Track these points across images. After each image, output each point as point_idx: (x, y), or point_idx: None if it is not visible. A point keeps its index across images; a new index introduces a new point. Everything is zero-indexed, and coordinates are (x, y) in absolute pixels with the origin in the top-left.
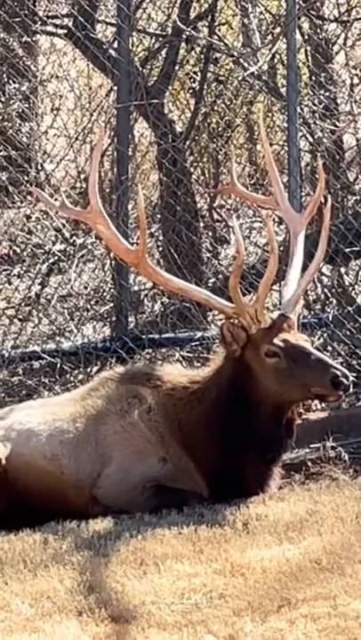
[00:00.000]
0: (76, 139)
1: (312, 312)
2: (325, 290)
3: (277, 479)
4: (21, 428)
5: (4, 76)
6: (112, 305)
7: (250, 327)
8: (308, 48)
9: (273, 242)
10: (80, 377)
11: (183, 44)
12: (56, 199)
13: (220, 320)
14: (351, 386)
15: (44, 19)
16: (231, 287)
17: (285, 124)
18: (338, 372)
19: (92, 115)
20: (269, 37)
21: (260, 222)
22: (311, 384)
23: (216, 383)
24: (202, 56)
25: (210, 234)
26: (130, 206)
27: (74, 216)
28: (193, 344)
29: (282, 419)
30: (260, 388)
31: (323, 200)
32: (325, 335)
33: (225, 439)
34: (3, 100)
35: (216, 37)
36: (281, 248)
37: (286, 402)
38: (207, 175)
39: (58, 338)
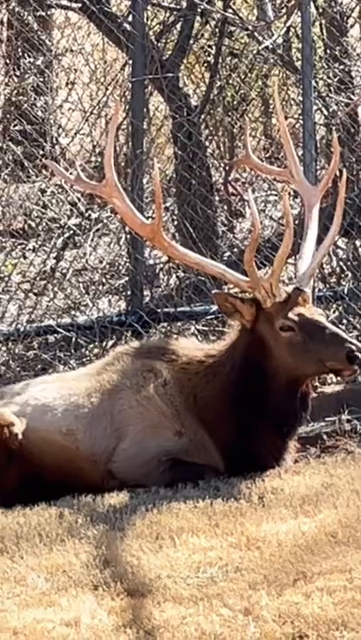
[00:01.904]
0: (91, 113)
1: (327, 285)
2: (341, 263)
3: (293, 453)
4: (37, 403)
5: (19, 50)
6: (127, 279)
7: (265, 301)
8: (323, 21)
9: (288, 215)
10: (95, 351)
11: (198, 18)
12: (71, 173)
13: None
14: None
15: None
16: (246, 261)
17: (300, 98)
18: (353, 347)
19: (106, 89)
20: (284, 10)
21: (276, 196)
22: (326, 358)
23: (231, 357)
24: (217, 30)
25: (225, 207)
26: (145, 180)
27: (89, 190)
28: (208, 318)
29: (296, 392)
30: (274, 361)
31: (338, 173)
32: (341, 308)
33: (240, 413)
34: (18, 74)
35: (231, 11)
36: (296, 221)
37: (301, 376)
38: (222, 149)
39: (73, 312)
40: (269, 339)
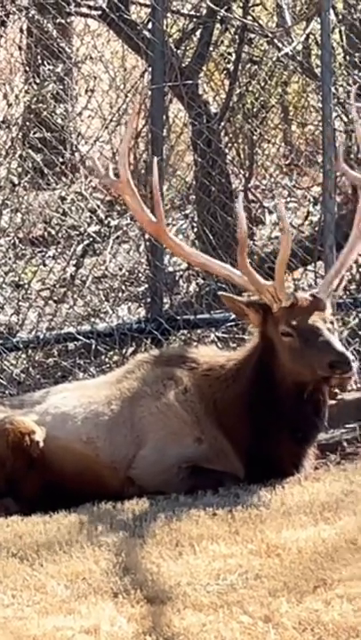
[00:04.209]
0: (111, 120)
1: (347, 292)
2: (360, 270)
3: (312, 459)
4: (57, 412)
5: (39, 57)
6: (147, 286)
7: (272, 305)
8: (343, 28)
9: (285, 222)
10: (115, 358)
11: (217, 25)
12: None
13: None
14: (353, 370)
15: (78, 0)
16: (240, 265)
17: (320, 105)
18: (336, 356)
19: (126, 96)
20: (303, 17)
21: (296, 203)
22: (315, 365)
23: (249, 362)
24: (236, 36)
25: (245, 214)
26: (165, 187)
27: (108, 184)
28: (228, 325)
29: (303, 398)
30: (280, 366)
31: None
32: None
33: (256, 418)
34: (37, 81)
35: (250, 18)
36: (316, 228)
37: (301, 382)
38: (242, 156)
39: (93, 319)
40: (276, 343)
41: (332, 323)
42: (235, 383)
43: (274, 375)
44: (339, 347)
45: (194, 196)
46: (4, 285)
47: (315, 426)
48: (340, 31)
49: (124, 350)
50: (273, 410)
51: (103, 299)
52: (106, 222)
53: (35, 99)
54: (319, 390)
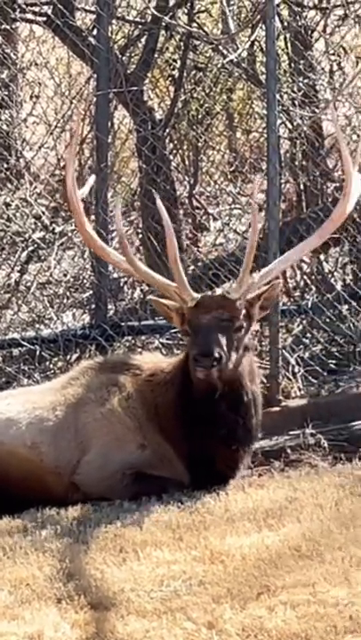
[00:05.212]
0: (56, 126)
1: (292, 299)
2: (305, 277)
3: (247, 460)
4: (1, 417)
5: None
6: (91, 292)
7: (182, 306)
8: (288, 35)
9: (164, 215)
10: (59, 364)
11: (162, 32)
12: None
13: None
14: (212, 366)
15: (24, 6)
16: (129, 263)
17: (265, 112)
18: (197, 349)
19: (71, 102)
20: (248, 24)
21: (240, 209)
22: (190, 361)
23: (181, 365)
24: (181, 43)
25: (189, 221)
26: (109, 194)
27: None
28: (172, 331)
29: (213, 395)
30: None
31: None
32: (305, 322)
33: (187, 420)
34: None
35: (195, 25)
36: (260, 235)
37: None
38: (187, 162)
39: (37, 325)
40: None
41: (230, 320)
42: (173, 387)
43: (189, 376)
44: (202, 341)
45: (139, 203)
46: None
47: (237, 423)
48: (285, 38)
49: (68, 356)
50: (195, 410)
51: (48, 305)
52: (51, 228)
53: None
54: (232, 387)
